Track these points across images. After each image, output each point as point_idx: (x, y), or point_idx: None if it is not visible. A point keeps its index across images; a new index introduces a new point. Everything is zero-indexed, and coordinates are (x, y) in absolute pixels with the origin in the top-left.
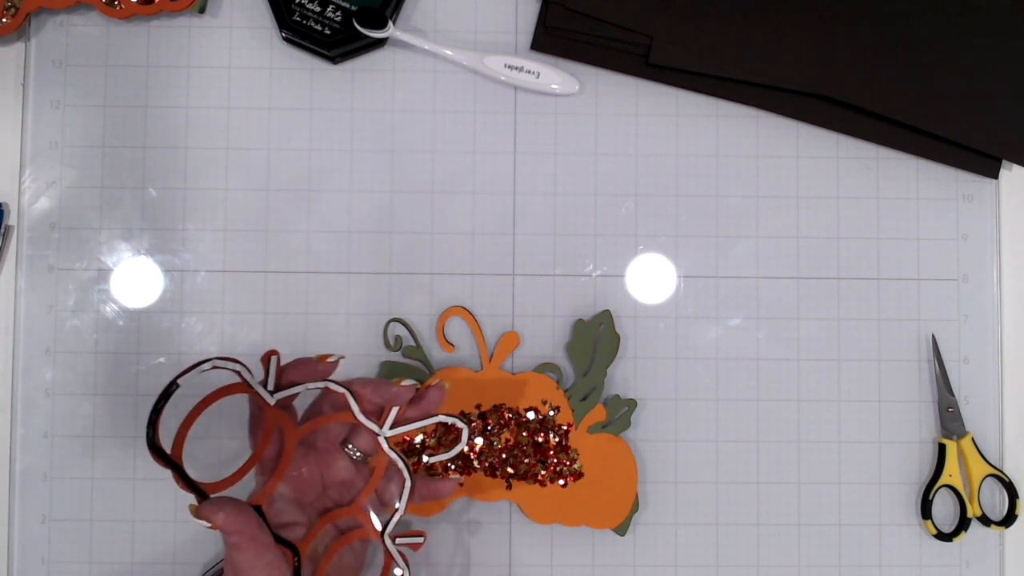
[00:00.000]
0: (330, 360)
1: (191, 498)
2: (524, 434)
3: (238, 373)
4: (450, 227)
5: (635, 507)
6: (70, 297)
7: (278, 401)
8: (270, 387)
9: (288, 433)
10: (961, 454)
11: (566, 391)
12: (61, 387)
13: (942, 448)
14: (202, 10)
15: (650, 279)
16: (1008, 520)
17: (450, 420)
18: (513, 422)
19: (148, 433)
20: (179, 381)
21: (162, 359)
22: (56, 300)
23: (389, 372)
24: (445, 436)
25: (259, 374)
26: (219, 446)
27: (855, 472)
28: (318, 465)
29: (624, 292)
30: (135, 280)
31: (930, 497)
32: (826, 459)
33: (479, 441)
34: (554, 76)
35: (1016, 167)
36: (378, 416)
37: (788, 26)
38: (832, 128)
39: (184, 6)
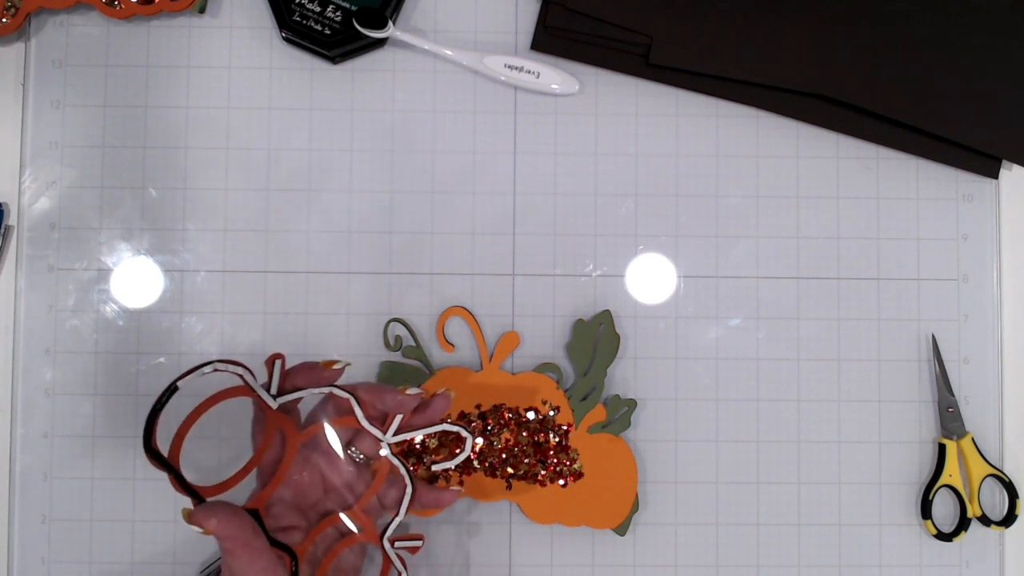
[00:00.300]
0: (336, 367)
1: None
2: (524, 434)
3: (240, 376)
4: (450, 227)
5: (635, 507)
6: (70, 297)
7: (281, 405)
8: (273, 391)
9: (290, 437)
10: (961, 454)
11: (566, 391)
12: (61, 387)
13: (942, 448)
14: (202, 10)
15: (650, 279)
16: (1008, 520)
17: (454, 428)
18: (513, 422)
19: (144, 436)
20: (179, 384)
21: (162, 359)
22: (56, 300)
23: (389, 372)
24: (446, 437)
25: (262, 376)
26: (220, 446)
27: (855, 472)
28: (320, 467)
29: (624, 292)
30: (135, 280)
31: (930, 497)
32: (826, 459)
33: (479, 441)
34: (554, 76)
35: (1016, 167)
36: (382, 421)
37: (788, 26)
38: (832, 128)
39: (184, 6)
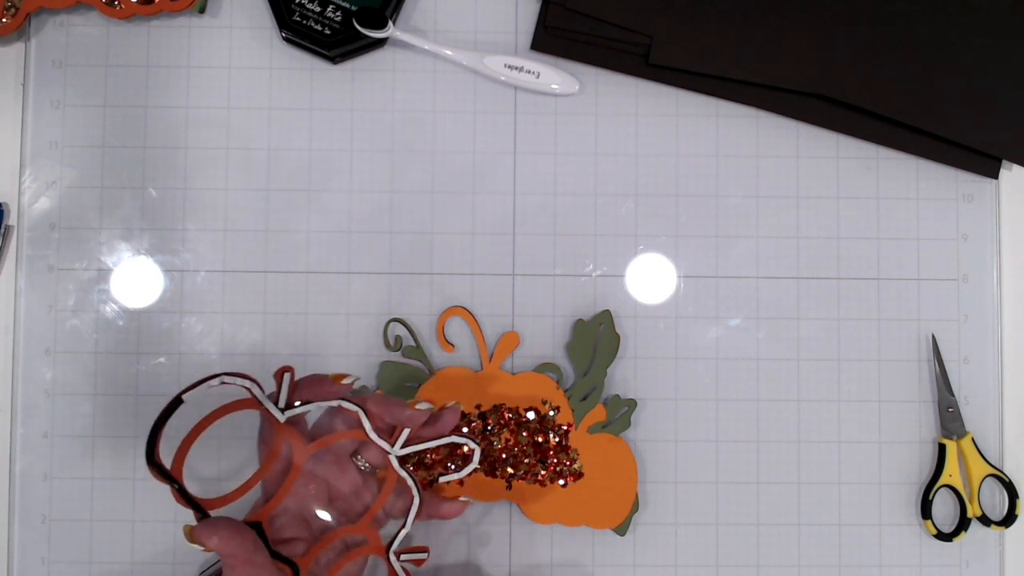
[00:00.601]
0: (345, 381)
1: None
2: (524, 434)
3: (248, 389)
4: (450, 227)
5: (635, 507)
6: (70, 297)
7: (288, 418)
8: (281, 404)
9: (297, 450)
10: (961, 454)
11: (566, 391)
12: (61, 387)
13: (942, 448)
14: (202, 10)
15: (650, 279)
16: (1008, 520)
17: (462, 440)
18: (513, 422)
19: (148, 449)
20: (184, 397)
21: (162, 359)
22: (56, 300)
23: (389, 372)
24: (452, 447)
25: (269, 386)
26: (220, 455)
27: (855, 472)
28: (326, 476)
29: (624, 292)
30: (135, 280)
31: (930, 497)
32: (826, 459)
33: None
34: (554, 76)
35: (1016, 167)
36: (390, 433)
37: (788, 26)
38: (832, 128)
39: (184, 6)
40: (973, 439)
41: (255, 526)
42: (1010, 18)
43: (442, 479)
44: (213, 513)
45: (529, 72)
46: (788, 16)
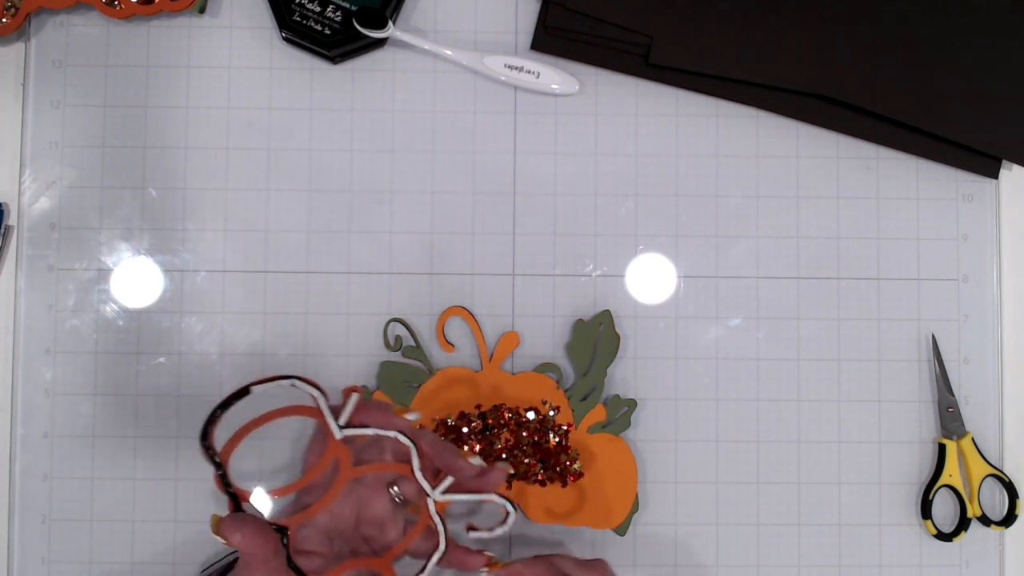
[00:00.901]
0: (407, 416)
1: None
2: (524, 434)
3: (314, 398)
4: (450, 227)
5: (635, 507)
6: (70, 297)
7: (344, 437)
8: (342, 421)
9: (344, 469)
10: (961, 454)
11: (566, 391)
12: (61, 387)
13: (942, 448)
14: (202, 10)
15: (650, 279)
16: (1008, 520)
17: (500, 501)
18: (513, 422)
19: (204, 428)
20: (253, 389)
21: (162, 359)
22: (56, 300)
23: (389, 372)
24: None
25: (334, 397)
26: (266, 453)
27: (855, 472)
28: (358, 499)
29: (624, 292)
30: (135, 280)
31: (930, 497)
32: (826, 459)
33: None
34: (554, 76)
35: (1016, 167)
36: (434, 475)
37: (788, 26)
38: (832, 128)
39: (184, 6)
40: (973, 439)
41: (281, 530)
42: (1010, 18)
43: (472, 535)
44: (246, 507)
45: (529, 72)
46: (788, 16)
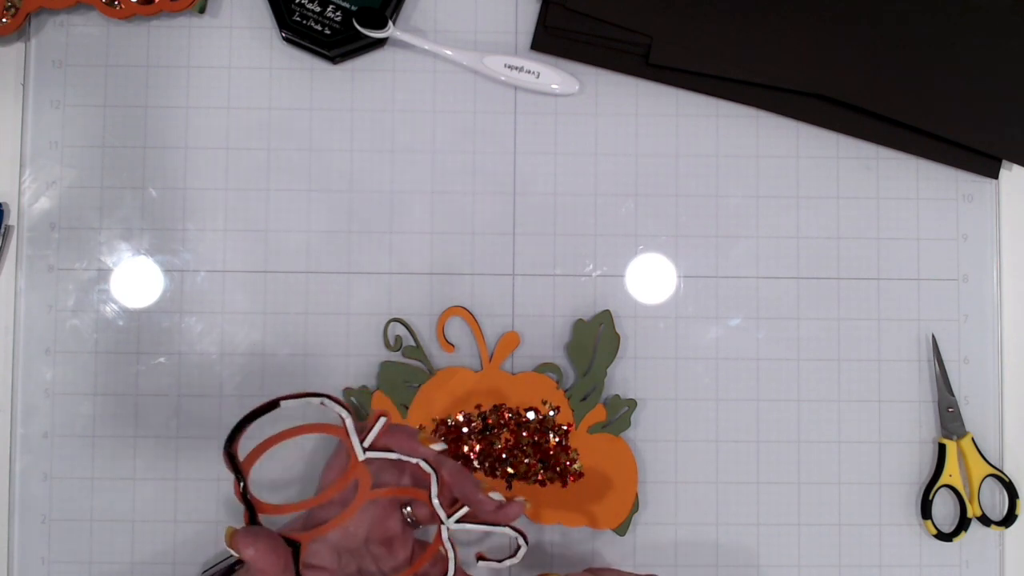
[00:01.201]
0: (434, 446)
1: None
2: (524, 434)
3: (342, 418)
4: (450, 227)
5: (635, 507)
6: (70, 297)
7: (367, 458)
8: (367, 443)
9: (362, 490)
10: (961, 454)
11: (566, 391)
12: (61, 387)
13: (942, 448)
14: (202, 10)
15: (650, 279)
16: (1008, 520)
17: (513, 533)
18: (513, 422)
19: (229, 437)
20: (283, 404)
21: (162, 359)
22: (56, 300)
23: (389, 372)
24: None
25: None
26: (285, 466)
27: (855, 472)
28: (371, 517)
29: (624, 292)
30: (135, 280)
31: (930, 497)
32: (826, 459)
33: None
34: (554, 76)
35: (1016, 167)
36: (451, 503)
37: (788, 26)
38: (832, 128)
39: (184, 6)
40: (973, 439)
41: (294, 545)
42: (1010, 18)
43: (481, 564)
44: (262, 520)
45: (529, 72)
46: (788, 16)
